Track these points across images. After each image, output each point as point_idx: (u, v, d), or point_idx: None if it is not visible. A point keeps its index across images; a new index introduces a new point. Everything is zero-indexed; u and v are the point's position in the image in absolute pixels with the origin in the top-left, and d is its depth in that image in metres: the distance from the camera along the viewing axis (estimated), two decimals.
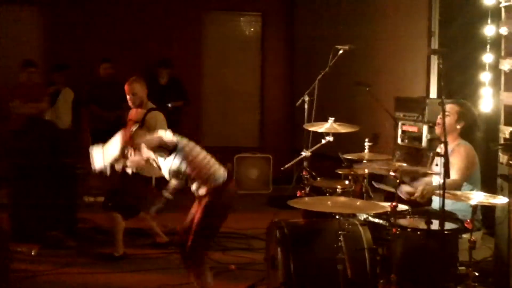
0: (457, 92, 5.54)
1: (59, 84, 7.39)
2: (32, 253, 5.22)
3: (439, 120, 4.25)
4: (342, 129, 4.66)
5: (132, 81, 5.22)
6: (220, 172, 3.94)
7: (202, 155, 3.92)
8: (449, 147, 4.00)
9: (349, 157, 4.56)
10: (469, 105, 4.45)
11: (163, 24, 8.80)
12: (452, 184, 3.93)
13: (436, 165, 4.15)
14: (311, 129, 4.73)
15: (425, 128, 5.53)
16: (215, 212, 3.93)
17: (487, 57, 5.10)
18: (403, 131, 5.84)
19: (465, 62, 5.68)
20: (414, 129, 5.70)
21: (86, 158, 6.02)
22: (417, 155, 5.57)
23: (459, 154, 4.17)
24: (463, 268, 3.58)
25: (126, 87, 5.21)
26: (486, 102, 5.14)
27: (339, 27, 7.88)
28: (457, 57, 5.67)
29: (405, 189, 4.26)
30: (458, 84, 5.72)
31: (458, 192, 3.68)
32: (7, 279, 2.60)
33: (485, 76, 5.17)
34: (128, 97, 5.23)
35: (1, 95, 6.66)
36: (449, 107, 4.27)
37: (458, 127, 4.29)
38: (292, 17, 9.20)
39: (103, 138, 5.02)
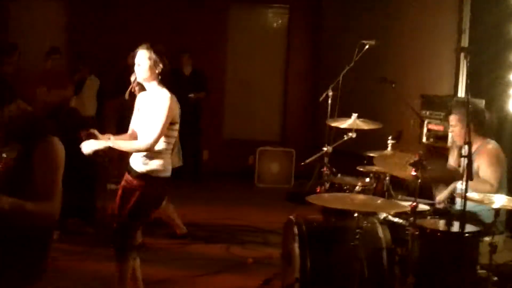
0: (485, 91, 5.42)
1: (85, 72, 7.42)
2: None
3: (452, 122, 4.17)
4: (365, 125, 4.60)
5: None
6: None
7: None
8: (474, 148, 3.92)
9: (371, 155, 4.49)
10: (469, 104, 4.35)
11: (188, 15, 8.78)
12: (488, 191, 3.85)
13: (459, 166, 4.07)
14: (334, 124, 4.66)
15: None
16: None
17: None
18: (428, 130, 5.72)
19: (494, 61, 5.56)
20: (440, 128, 5.59)
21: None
22: (441, 155, 5.46)
23: (488, 154, 4.06)
24: (483, 271, 3.51)
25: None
26: None
27: (366, 21, 7.78)
28: (486, 56, 5.54)
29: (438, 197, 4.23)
30: (487, 83, 5.59)
31: (481, 195, 3.59)
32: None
33: None
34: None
35: (28, 82, 6.72)
36: (450, 119, 4.25)
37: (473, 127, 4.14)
38: (319, 10, 9.10)
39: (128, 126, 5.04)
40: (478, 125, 4.14)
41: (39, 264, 2.62)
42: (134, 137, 3.78)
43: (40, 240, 2.60)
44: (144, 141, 3.61)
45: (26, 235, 2.49)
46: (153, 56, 3.62)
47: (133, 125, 3.84)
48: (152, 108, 3.62)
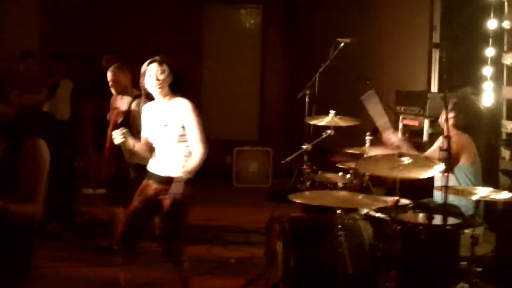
0: (459, 86, 5.50)
1: (58, 75, 7.33)
2: None
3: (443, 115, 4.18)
4: (343, 122, 4.63)
5: (114, 68, 5.12)
6: None
7: None
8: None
9: (350, 151, 4.53)
10: (464, 97, 4.41)
11: (164, 16, 8.75)
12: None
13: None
14: (312, 122, 4.69)
15: (426, 122, 5.48)
16: None
17: (489, 51, 5.06)
18: (404, 125, 5.79)
19: (467, 56, 5.64)
20: (415, 123, 5.65)
21: (85, 149, 5.97)
22: (417, 149, 5.53)
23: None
24: (464, 263, 3.56)
25: (108, 74, 5.12)
26: (488, 96, 5.11)
27: (340, 20, 7.83)
28: (459, 51, 5.63)
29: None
30: (460, 78, 5.68)
31: (460, 188, 3.65)
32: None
33: (487, 71, 5.14)
34: (110, 84, 5.13)
35: (1, 85, 6.59)
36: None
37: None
38: (293, 9, 9.14)
39: (106, 129, 5.00)
40: (465, 118, 4.17)
41: (21, 270, 2.59)
42: (150, 145, 3.91)
43: (22, 245, 2.57)
44: (199, 151, 3.79)
45: (8, 239, 2.47)
46: (166, 68, 3.82)
47: (147, 135, 3.94)
48: (179, 117, 3.76)
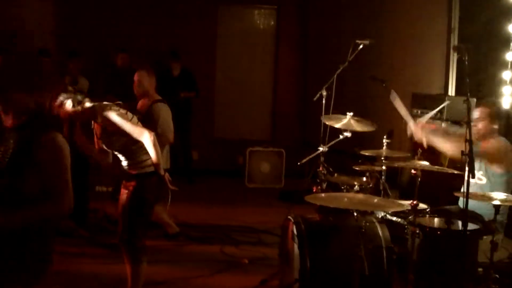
0: (477, 90, 5.46)
1: (74, 73, 7.35)
2: None
3: (479, 114, 4.13)
4: (359, 127, 4.60)
5: (142, 70, 5.15)
6: None
7: None
8: (487, 145, 3.96)
9: (366, 154, 4.50)
10: (496, 102, 4.37)
11: (178, 17, 8.75)
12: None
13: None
14: (329, 123, 4.66)
15: (443, 126, 5.43)
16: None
17: (510, 55, 5.01)
18: None
19: (485, 60, 5.60)
20: (432, 126, 5.60)
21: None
22: (436, 152, 5.49)
23: (493, 144, 4.08)
24: (480, 269, 3.52)
25: (135, 75, 5.16)
26: (507, 100, 5.06)
27: (355, 21, 7.80)
28: (476, 54, 5.58)
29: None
30: (478, 82, 5.64)
31: (480, 193, 3.61)
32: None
33: (506, 74, 5.09)
34: (134, 84, 5.17)
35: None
36: (479, 111, 4.12)
37: (495, 126, 4.14)
38: (307, 10, 9.12)
39: None
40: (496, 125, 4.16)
41: (39, 265, 2.60)
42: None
43: (41, 242, 2.58)
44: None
45: (28, 235, 2.48)
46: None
47: None
48: None
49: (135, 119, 3.92)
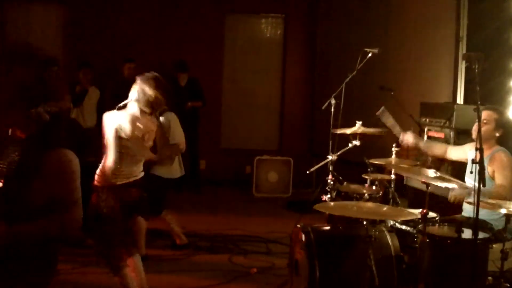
0: (484, 98, 5.43)
1: (84, 83, 7.39)
2: None
3: (487, 117, 4.12)
4: (370, 131, 4.60)
5: None
6: None
7: None
8: (486, 154, 3.91)
9: (375, 162, 4.49)
10: (505, 111, 4.34)
11: (185, 26, 8.79)
12: (500, 192, 3.84)
13: (471, 172, 4.05)
14: (339, 132, 4.66)
15: (452, 135, 5.42)
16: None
17: None
18: (428, 137, 5.73)
19: (493, 68, 5.58)
20: (440, 135, 5.59)
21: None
22: (441, 162, 5.47)
23: (501, 161, 4.05)
24: (490, 278, 3.49)
25: None
26: None
27: (362, 30, 7.80)
28: (484, 63, 5.56)
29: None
30: (485, 90, 5.61)
31: (490, 201, 3.58)
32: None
33: None
34: None
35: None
36: (486, 114, 4.11)
37: (497, 134, 4.15)
38: (314, 19, 9.13)
39: None
40: (504, 135, 4.15)
41: (45, 274, 2.60)
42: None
43: (46, 249, 2.58)
44: None
45: (33, 245, 2.48)
46: None
47: None
48: None
49: None
